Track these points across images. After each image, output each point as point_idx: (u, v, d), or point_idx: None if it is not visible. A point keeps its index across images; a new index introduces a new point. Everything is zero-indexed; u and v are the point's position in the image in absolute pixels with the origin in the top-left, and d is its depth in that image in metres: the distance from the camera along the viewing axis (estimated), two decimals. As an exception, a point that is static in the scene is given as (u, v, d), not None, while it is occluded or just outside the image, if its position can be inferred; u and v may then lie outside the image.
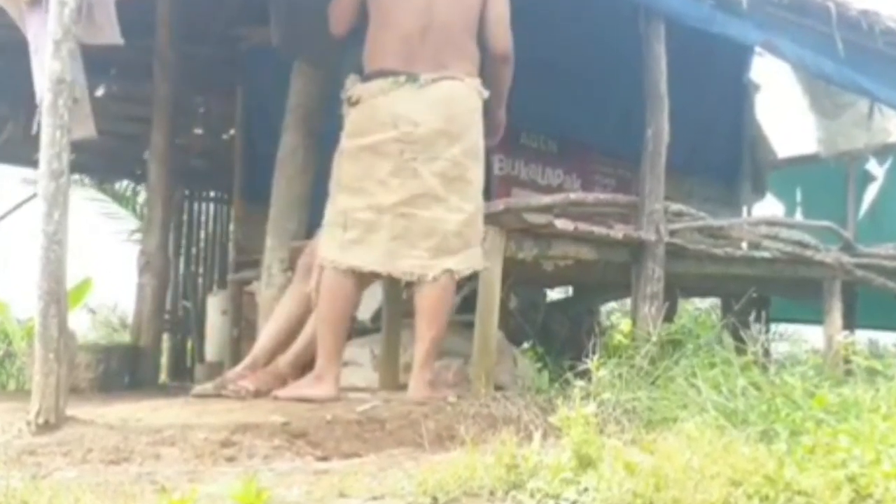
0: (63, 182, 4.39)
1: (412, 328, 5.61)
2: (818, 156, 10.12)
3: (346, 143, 5.61)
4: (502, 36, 5.75)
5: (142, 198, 13.88)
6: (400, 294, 6.15)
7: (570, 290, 10.79)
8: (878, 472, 3.20)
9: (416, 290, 5.53)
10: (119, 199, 14.91)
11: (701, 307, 14.42)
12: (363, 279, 5.56)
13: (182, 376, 10.92)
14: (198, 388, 5.88)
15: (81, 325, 15.17)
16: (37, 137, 4.49)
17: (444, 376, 6.23)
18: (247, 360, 5.97)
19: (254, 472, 3.78)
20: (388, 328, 6.19)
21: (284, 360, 5.83)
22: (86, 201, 14.41)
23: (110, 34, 4.85)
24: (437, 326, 5.49)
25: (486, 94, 5.67)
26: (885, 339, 10.27)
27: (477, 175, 5.64)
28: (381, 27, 5.64)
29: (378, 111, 5.49)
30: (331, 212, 5.61)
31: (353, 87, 5.60)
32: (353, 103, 5.56)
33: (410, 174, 5.42)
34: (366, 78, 5.59)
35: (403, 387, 5.67)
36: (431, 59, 5.55)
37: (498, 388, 5.82)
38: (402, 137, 5.43)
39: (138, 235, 12.67)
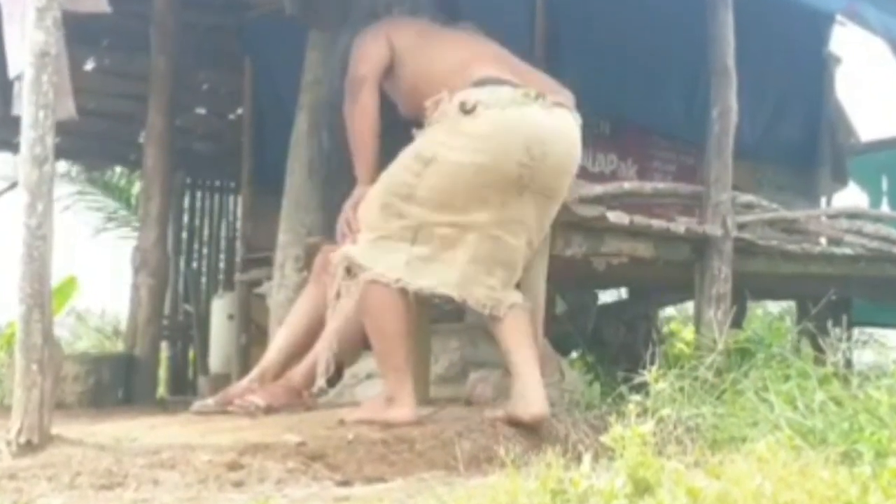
0: (47, 169, 4.38)
1: (442, 336, 5.58)
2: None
3: (440, 153, 5.19)
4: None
5: (136, 188, 13.95)
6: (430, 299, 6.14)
7: (625, 292, 10.79)
8: (977, 500, 3.18)
9: (492, 324, 5.42)
10: (109, 189, 14.98)
11: (773, 311, 14.38)
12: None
13: (183, 390, 10.99)
14: (197, 404, 5.86)
15: (68, 331, 15.27)
16: (15, 119, 4.50)
17: (482, 390, 6.23)
18: (254, 372, 5.89)
19: (265, 498, 3.79)
20: (416, 337, 6.16)
21: (299, 371, 5.75)
22: (72, 196, 14.53)
23: (96, 1, 4.85)
24: (535, 346, 5.43)
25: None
26: (984, 346, 10.24)
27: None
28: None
29: (512, 127, 5.21)
30: (392, 224, 5.22)
31: (461, 92, 5.26)
32: (468, 111, 5.20)
33: (515, 195, 5.24)
34: (476, 84, 5.32)
35: (433, 401, 5.67)
36: (534, 81, 5.45)
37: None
38: (528, 163, 5.19)
39: (133, 230, 12.74)
